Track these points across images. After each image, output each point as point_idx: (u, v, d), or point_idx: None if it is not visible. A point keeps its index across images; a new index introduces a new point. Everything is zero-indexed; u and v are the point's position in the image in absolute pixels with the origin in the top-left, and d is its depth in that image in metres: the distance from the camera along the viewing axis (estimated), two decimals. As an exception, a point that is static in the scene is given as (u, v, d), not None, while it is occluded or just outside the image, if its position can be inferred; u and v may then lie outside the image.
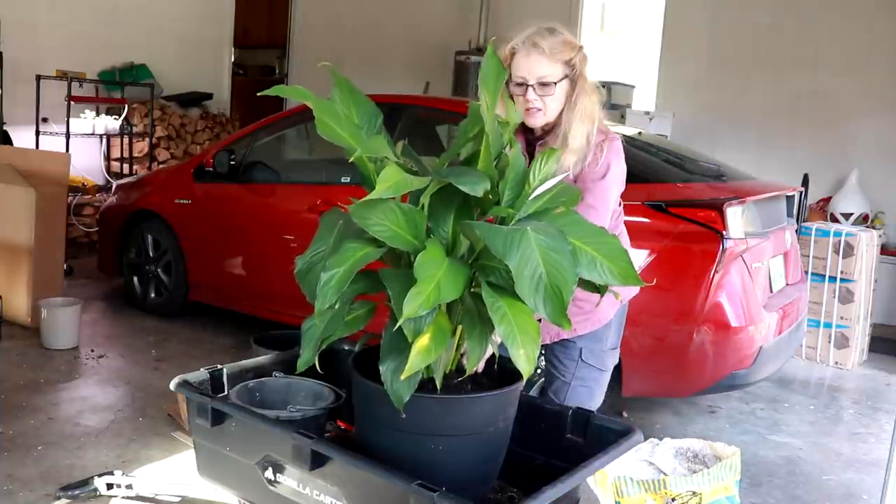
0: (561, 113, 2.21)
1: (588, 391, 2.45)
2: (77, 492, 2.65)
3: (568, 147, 2.16)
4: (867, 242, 5.01)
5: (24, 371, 3.86)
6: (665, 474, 2.48)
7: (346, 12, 9.36)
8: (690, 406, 4.13)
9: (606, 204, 2.22)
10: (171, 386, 2.32)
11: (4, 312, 4.45)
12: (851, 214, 6.14)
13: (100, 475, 2.71)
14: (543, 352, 3.50)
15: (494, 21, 7.91)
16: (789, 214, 4.16)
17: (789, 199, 4.16)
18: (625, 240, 2.40)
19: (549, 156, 1.84)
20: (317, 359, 1.89)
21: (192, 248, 4.82)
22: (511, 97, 2.16)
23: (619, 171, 2.25)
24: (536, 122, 2.22)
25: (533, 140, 2.29)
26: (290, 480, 1.98)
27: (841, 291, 5.01)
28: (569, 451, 2.14)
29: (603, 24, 8.03)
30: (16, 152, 5.34)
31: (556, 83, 2.16)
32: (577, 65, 2.20)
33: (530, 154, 2.24)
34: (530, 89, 2.16)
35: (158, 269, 5.00)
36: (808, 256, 5.03)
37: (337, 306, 1.75)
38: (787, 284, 4.02)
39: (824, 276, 5.04)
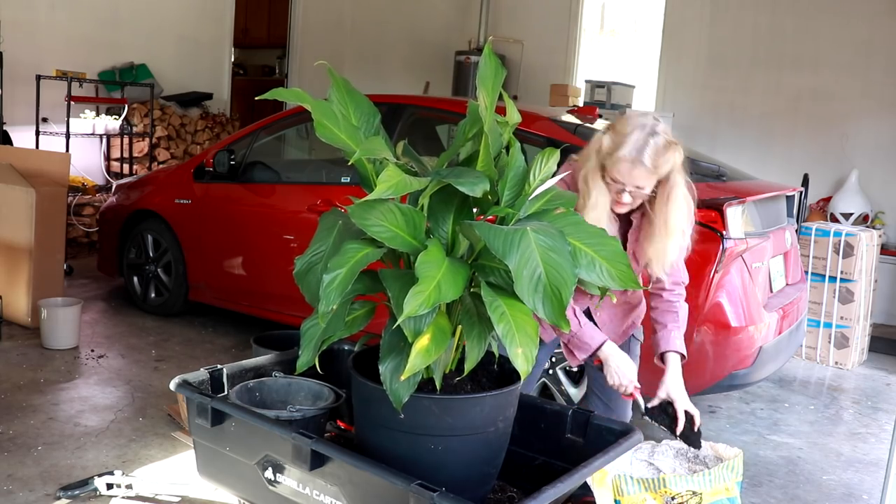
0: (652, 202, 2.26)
1: None
2: (77, 492, 2.65)
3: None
4: (867, 242, 5.01)
5: (24, 371, 3.86)
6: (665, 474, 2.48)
7: (346, 12, 9.37)
8: (690, 406, 4.12)
9: None
10: (171, 386, 2.32)
11: (4, 312, 4.45)
12: (851, 214, 6.14)
13: (100, 475, 2.71)
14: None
15: (494, 21, 7.91)
16: (789, 214, 4.16)
17: (789, 199, 4.16)
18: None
19: (550, 155, 1.84)
20: (316, 359, 1.90)
21: (192, 248, 4.82)
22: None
23: None
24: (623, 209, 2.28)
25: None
26: (290, 480, 1.98)
27: (841, 291, 5.01)
28: (569, 451, 2.14)
29: (603, 24, 8.03)
30: (16, 152, 5.32)
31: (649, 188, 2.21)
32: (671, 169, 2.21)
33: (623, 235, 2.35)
34: (626, 194, 2.20)
35: (158, 269, 5.00)
36: (808, 256, 5.02)
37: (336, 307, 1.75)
38: (787, 284, 4.02)
39: (824, 276, 5.04)
